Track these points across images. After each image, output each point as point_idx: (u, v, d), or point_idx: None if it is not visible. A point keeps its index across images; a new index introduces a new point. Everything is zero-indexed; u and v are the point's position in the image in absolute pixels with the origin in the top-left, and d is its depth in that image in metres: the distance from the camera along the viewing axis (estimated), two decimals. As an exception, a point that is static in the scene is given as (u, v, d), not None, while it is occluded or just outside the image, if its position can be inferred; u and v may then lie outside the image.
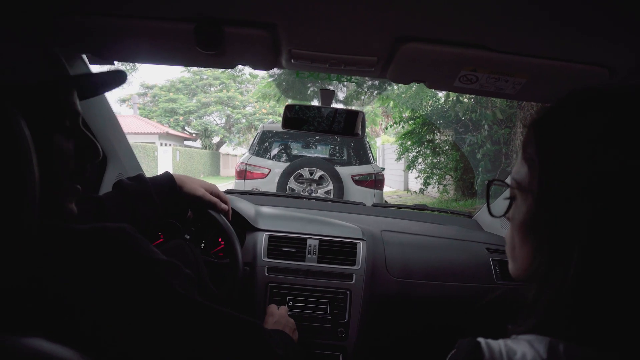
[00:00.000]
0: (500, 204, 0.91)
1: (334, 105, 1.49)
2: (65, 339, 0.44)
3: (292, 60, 1.06)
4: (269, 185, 5.28)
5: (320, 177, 5.19)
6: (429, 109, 8.84)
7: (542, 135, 0.52)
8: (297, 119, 1.51)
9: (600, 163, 0.45)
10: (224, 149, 28.46)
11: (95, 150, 0.70)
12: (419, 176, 10.01)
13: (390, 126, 10.30)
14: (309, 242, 1.54)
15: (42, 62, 0.65)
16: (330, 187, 5.18)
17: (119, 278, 0.58)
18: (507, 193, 0.58)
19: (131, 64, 16.11)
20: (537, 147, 0.51)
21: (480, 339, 0.49)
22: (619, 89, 0.51)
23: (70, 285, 0.55)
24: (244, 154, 6.20)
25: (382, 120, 15.32)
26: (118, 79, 0.76)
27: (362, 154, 5.85)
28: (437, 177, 9.61)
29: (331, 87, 1.47)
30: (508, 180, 0.59)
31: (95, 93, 0.83)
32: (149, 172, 1.96)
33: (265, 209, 1.72)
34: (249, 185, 5.33)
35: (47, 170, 0.61)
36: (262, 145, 5.86)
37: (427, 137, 9.46)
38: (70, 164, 0.66)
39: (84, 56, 1.20)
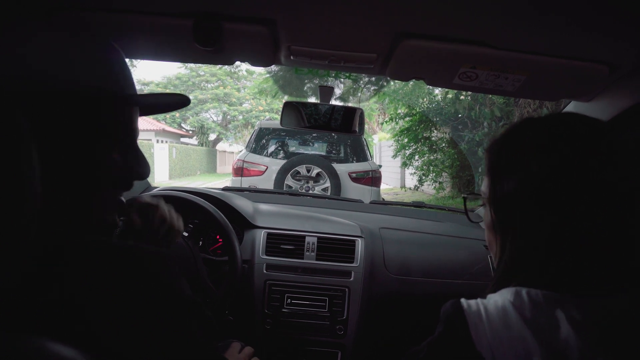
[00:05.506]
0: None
1: (331, 101, 1.48)
2: (75, 345, 0.44)
3: (291, 57, 1.05)
4: (266, 182, 5.28)
5: (318, 174, 5.19)
6: (426, 105, 8.84)
7: (489, 157, 0.70)
8: (295, 116, 1.50)
9: (524, 172, 0.62)
10: (220, 146, 28.39)
11: (146, 169, 0.70)
12: (415, 173, 10.02)
13: (386, 122, 10.28)
14: (307, 239, 1.53)
15: (113, 70, 0.65)
16: (328, 184, 5.18)
17: (142, 302, 0.58)
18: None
19: (130, 61, 16.02)
20: (488, 165, 0.70)
21: (462, 299, 0.64)
22: (546, 117, 0.68)
23: (94, 298, 0.54)
24: (240, 151, 6.19)
25: (378, 116, 15.31)
26: (181, 102, 0.76)
27: (359, 151, 5.85)
28: (434, 174, 9.62)
29: (329, 84, 1.46)
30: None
31: (153, 112, 0.83)
32: (146, 169, 1.95)
33: (263, 206, 1.72)
34: (246, 182, 5.32)
35: (92, 182, 0.62)
36: (259, 142, 5.85)
37: (424, 134, 9.46)
38: (117, 178, 0.66)
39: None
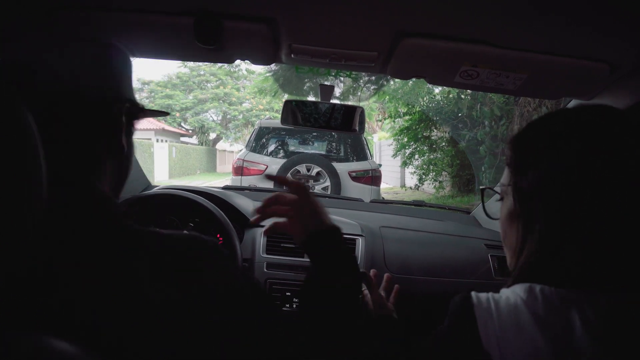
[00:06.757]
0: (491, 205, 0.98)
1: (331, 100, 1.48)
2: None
3: (292, 55, 1.05)
4: (266, 181, 5.27)
5: (318, 173, 5.19)
6: (425, 104, 8.83)
7: (511, 149, 0.70)
8: (295, 115, 1.50)
9: (549, 164, 0.61)
10: (220, 145, 28.38)
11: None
12: (415, 172, 10.02)
13: (385, 119, 10.27)
14: (307, 238, 1.53)
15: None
16: (328, 183, 5.18)
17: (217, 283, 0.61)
18: (497, 196, 0.75)
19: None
20: (511, 155, 0.69)
21: (472, 292, 0.62)
22: (568, 111, 0.68)
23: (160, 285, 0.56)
24: (240, 150, 6.18)
25: (378, 115, 15.31)
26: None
27: (359, 150, 5.85)
28: (434, 173, 9.62)
29: (328, 82, 1.46)
30: (497, 187, 0.75)
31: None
32: (145, 168, 1.95)
33: (263, 205, 1.72)
34: (246, 181, 5.32)
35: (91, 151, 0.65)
36: (259, 141, 5.85)
37: (424, 133, 9.46)
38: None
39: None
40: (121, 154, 0.70)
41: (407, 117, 9.48)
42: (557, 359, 0.53)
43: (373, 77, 8.24)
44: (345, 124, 1.49)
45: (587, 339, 0.52)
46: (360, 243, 1.53)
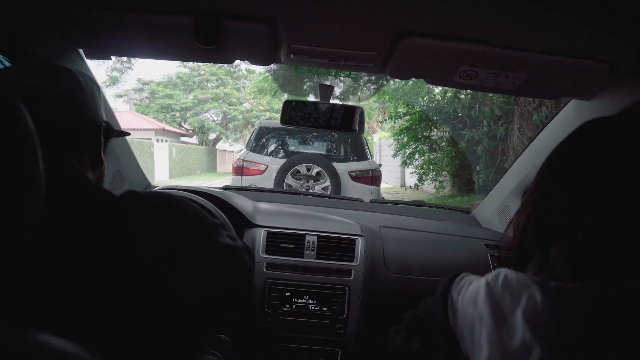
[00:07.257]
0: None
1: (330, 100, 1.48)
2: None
3: (292, 56, 1.05)
4: (266, 181, 5.27)
5: (318, 173, 5.19)
6: (425, 104, 8.83)
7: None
8: (295, 115, 1.50)
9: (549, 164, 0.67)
10: (220, 145, 28.37)
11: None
12: (415, 172, 10.02)
13: (386, 120, 10.26)
14: (307, 238, 1.53)
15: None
16: (328, 183, 5.17)
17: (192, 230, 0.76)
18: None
19: (127, 61, 15.99)
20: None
21: (462, 273, 0.70)
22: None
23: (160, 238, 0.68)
24: (240, 150, 6.19)
25: (378, 115, 15.32)
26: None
27: (359, 150, 5.85)
28: (434, 173, 9.62)
29: (328, 82, 1.46)
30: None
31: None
32: (145, 168, 1.95)
33: (263, 205, 1.72)
34: (246, 181, 5.32)
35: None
36: (259, 141, 5.84)
37: (424, 133, 9.46)
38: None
39: (81, 50, 1.19)
40: (100, 168, 0.79)
41: (407, 117, 9.47)
42: (497, 333, 0.58)
43: (373, 77, 8.24)
44: (345, 124, 1.49)
45: (523, 321, 0.56)
46: (360, 243, 1.53)
